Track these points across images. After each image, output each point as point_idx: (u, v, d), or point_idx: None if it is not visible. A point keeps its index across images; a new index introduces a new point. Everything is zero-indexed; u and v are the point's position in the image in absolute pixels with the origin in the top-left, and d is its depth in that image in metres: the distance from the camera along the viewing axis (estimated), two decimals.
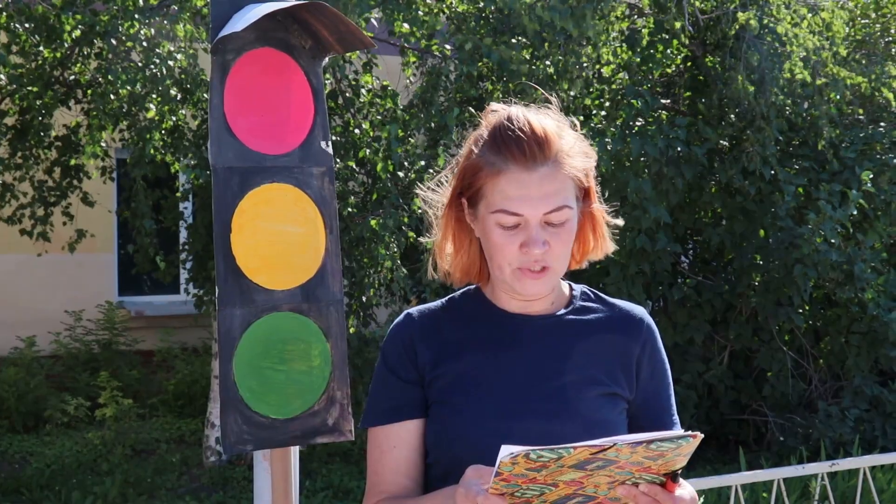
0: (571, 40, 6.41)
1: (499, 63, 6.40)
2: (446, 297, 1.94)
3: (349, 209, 6.62)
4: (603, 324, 1.90)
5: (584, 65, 6.78)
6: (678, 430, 1.55)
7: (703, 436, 1.54)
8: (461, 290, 1.95)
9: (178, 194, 7.93)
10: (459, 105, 6.75)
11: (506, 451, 1.47)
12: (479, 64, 6.62)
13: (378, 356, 1.92)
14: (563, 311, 1.89)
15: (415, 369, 1.86)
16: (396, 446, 1.85)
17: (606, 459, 1.51)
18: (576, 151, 1.80)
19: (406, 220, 6.36)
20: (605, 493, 1.58)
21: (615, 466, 1.52)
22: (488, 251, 1.82)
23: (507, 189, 1.76)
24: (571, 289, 1.94)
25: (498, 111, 1.83)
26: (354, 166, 6.85)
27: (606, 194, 1.95)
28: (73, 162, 7.49)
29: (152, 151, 6.64)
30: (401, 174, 6.53)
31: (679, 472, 1.58)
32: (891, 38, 8.30)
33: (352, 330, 6.75)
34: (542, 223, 1.76)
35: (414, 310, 1.93)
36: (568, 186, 1.78)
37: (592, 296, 1.94)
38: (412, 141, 6.57)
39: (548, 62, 6.54)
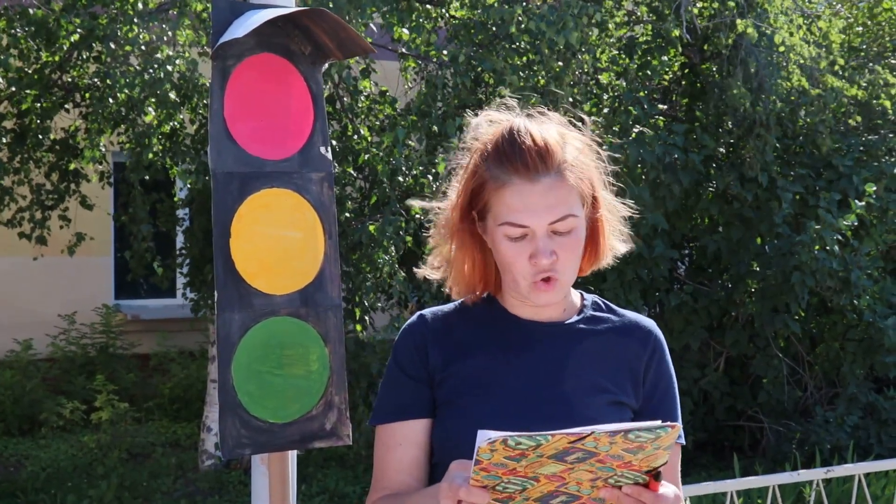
0: (564, 49, 6.43)
1: (493, 72, 6.43)
2: (458, 301, 1.96)
3: (346, 214, 6.63)
4: (612, 333, 1.91)
5: (581, 71, 6.80)
6: (656, 422, 1.54)
7: (680, 426, 1.55)
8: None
9: (176, 199, 7.93)
10: (457, 110, 6.77)
11: (483, 436, 1.48)
12: (478, 70, 6.64)
13: (390, 356, 1.94)
14: (573, 320, 1.91)
15: (425, 370, 1.88)
16: (402, 444, 1.87)
17: (586, 450, 1.51)
18: (580, 160, 1.82)
19: (403, 224, 6.38)
20: (588, 493, 1.58)
21: (595, 460, 1.52)
22: (501, 264, 1.84)
23: (511, 201, 1.77)
24: (583, 298, 1.96)
25: (500, 122, 1.84)
26: (353, 171, 6.87)
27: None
28: (72, 166, 7.50)
29: (151, 157, 6.64)
30: (399, 178, 6.54)
31: (660, 470, 1.59)
32: (886, 47, 8.33)
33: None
34: (548, 233, 1.78)
35: (427, 311, 1.95)
36: (573, 195, 1.79)
37: (603, 306, 1.96)
38: (412, 144, 6.59)
39: (543, 71, 6.56)
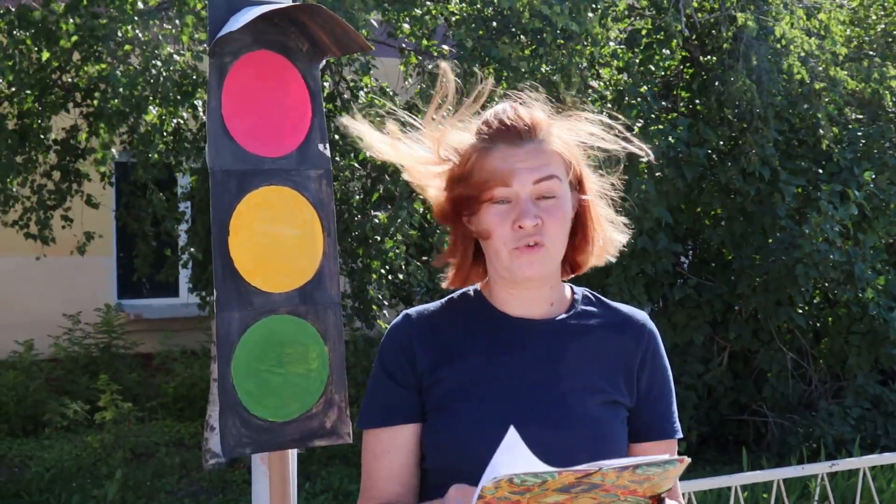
0: (572, 39, 6.41)
1: (499, 61, 6.40)
2: (445, 298, 1.91)
3: (351, 210, 6.62)
4: (604, 328, 1.87)
5: (584, 65, 6.78)
6: (664, 456, 1.53)
7: (689, 460, 1.53)
8: (460, 291, 1.92)
9: (180, 197, 7.94)
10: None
11: (489, 475, 1.45)
12: (483, 63, 6.62)
13: (376, 358, 1.89)
14: (564, 316, 1.86)
15: (412, 374, 1.82)
16: (390, 452, 1.82)
17: (592, 483, 1.48)
18: (565, 136, 1.81)
19: (413, 215, 6.37)
20: None
21: (600, 490, 1.50)
22: (484, 237, 1.80)
23: (495, 164, 1.76)
24: (573, 292, 1.91)
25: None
26: (357, 165, 6.86)
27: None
28: (84, 170, 7.49)
29: (157, 157, 6.64)
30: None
31: (664, 494, 1.56)
32: (892, 39, 8.29)
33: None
34: (532, 198, 1.75)
35: (412, 311, 1.89)
36: (556, 162, 1.78)
37: (594, 299, 1.91)
38: None
39: (548, 59, 6.53)
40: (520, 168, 1.75)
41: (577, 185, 1.83)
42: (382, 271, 6.57)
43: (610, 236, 1.88)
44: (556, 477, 1.45)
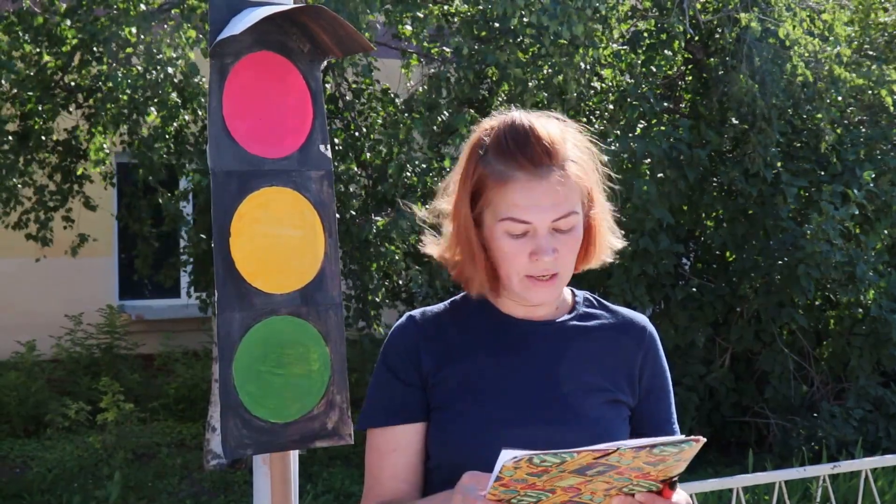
0: (569, 43, 6.42)
1: (495, 65, 6.41)
2: (448, 300, 1.92)
3: (352, 212, 6.62)
4: (606, 330, 1.89)
5: (583, 67, 6.78)
6: (680, 436, 1.53)
7: (704, 440, 1.53)
8: (463, 294, 1.92)
9: (180, 193, 7.94)
10: (460, 107, 6.76)
11: (508, 455, 1.45)
12: (483, 65, 6.63)
13: (379, 358, 1.89)
14: (566, 318, 1.88)
15: (417, 374, 1.83)
16: (396, 450, 1.83)
17: (608, 465, 1.49)
18: (581, 157, 1.79)
19: (412, 222, 6.38)
20: (600, 501, 1.56)
21: (615, 472, 1.51)
22: (496, 260, 1.79)
23: (514, 197, 1.73)
24: (574, 294, 1.92)
25: (498, 117, 1.81)
26: (357, 168, 6.86)
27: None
28: (80, 171, 7.49)
29: (157, 159, 6.64)
30: (405, 175, 6.54)
31: (676, 479, 1.57)
32: (894, 39, 8.29)
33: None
34: (550, 230, 1.75)
35: (416, 312, 1.90)
36: (574, 192, 1.76)
37: (595, 302, 1.93)
38: (416, 138, 6.58)
39: (549, 64, 6.53)
40: (541, 205, 1.73)
41: (588, 201, 1.82)
42: (378, 273, 6.57)
43: (609, 241, 1.88)
44: (575, 457, 1.46)
